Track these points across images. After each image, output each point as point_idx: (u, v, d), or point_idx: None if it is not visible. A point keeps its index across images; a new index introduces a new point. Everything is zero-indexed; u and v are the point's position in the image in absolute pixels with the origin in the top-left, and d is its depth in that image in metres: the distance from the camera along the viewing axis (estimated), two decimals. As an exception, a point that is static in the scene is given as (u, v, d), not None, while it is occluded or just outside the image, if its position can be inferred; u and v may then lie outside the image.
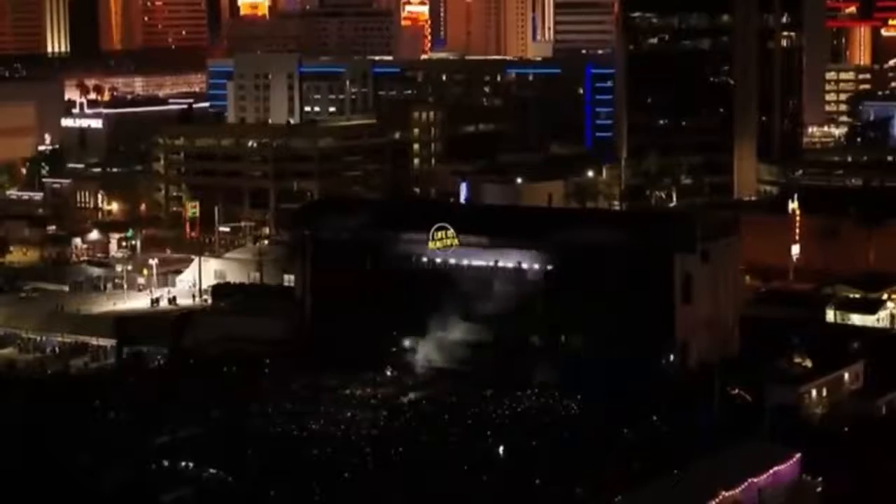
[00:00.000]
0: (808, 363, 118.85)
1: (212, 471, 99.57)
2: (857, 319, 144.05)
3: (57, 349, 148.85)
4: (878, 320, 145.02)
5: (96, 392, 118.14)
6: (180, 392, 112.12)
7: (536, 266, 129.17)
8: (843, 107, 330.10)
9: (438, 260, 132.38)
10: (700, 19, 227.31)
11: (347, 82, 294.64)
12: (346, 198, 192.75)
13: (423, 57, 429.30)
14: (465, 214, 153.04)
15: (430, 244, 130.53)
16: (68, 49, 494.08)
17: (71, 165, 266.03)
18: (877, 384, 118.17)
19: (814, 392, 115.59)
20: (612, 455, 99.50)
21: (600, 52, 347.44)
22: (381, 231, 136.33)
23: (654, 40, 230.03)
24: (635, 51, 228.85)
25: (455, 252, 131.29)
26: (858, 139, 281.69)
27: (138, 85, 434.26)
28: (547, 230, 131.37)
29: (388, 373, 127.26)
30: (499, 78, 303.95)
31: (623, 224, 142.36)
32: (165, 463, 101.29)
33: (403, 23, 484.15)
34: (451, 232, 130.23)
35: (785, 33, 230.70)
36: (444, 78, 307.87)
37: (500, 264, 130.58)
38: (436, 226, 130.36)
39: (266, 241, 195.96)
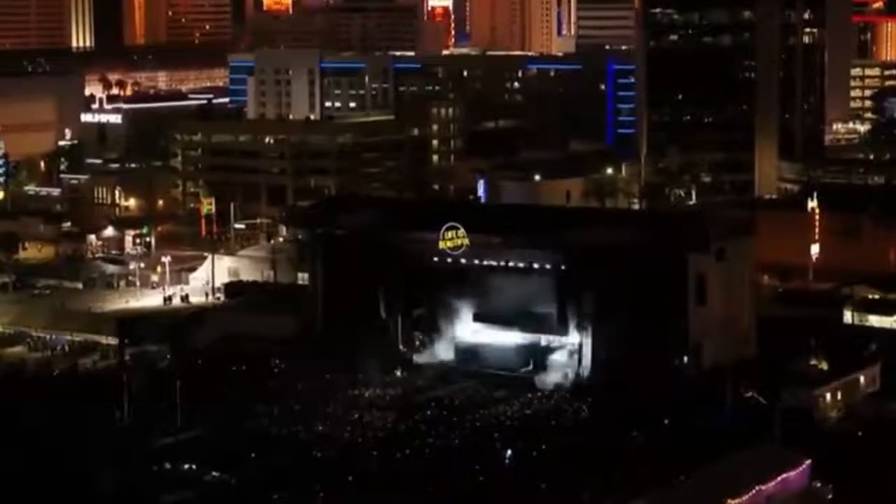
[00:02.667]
0: (825, 365, 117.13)
1: (214, 473, 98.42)
2: (875, 320, 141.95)
3: (66, 347, 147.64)
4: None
5: (100, 392, 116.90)
6: (184, 393, 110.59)
7: (549, 265, 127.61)
8: (868, 103, 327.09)
9: (450, 259, 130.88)
10: (721, 15, 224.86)
11: (367, 78, 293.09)
12: (359, 195, 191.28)
13: (445, 52, 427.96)
14: (476, 213, 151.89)
15: (441, 243, 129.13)
16: (92, 44, 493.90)
17: (90, 161, 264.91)
18: (893, 387, 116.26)
19: (829, 395, 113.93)
20: (619, 459, 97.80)
21: (623, 47, 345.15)
22: (394, 229, 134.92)
23: (675, 37, 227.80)
24: (656, 47, 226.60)
25: (467, 251, 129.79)
26: (882, 136, 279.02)
27: (161, 80, 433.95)
28: (559, 229, 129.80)
29: (399, 373, 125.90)
30: (520, 74, 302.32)
31: (636, 223, 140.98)
32: (167, 465, 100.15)
33: (426, 18, 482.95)
34: (461, 231, 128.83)
35: (807, 30, 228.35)
36: (465, 74, 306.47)
37: (512, 264, 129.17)
38: (446, 225, 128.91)
39: (281, 239, 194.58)
